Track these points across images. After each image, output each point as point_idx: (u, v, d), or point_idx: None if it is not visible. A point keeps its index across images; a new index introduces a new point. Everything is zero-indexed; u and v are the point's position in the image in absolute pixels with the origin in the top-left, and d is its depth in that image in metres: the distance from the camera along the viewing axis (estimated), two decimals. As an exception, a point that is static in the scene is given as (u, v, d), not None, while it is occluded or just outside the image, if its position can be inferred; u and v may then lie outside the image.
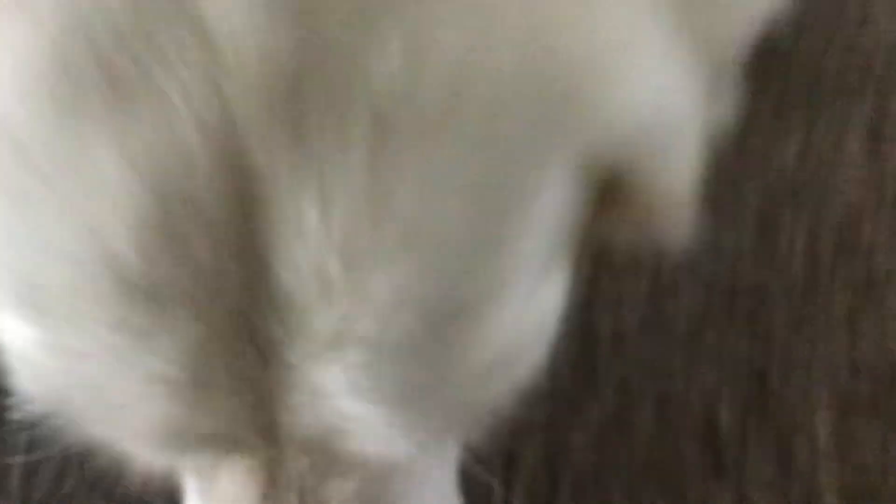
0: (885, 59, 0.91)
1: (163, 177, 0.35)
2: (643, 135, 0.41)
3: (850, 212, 0.83)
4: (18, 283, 0.39)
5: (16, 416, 0.44)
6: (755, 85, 0.54)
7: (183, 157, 0.35)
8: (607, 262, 0.80)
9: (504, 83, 0.37)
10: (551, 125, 0.39)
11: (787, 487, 0.74)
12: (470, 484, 0.58)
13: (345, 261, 0.37)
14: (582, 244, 0.46)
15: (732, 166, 0.80)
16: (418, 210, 0.37)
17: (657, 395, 0.76)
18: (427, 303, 0.39)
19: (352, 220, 0.36)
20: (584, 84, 0.39)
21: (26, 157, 0.36)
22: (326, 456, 0.44)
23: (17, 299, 0.40)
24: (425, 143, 0.36)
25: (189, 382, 0.39)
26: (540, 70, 0.37)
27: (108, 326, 0.38)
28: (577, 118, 0.39)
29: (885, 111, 0.88)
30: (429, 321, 0.39)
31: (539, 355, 0.46)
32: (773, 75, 0.90)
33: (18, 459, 0.77)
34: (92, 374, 0.40)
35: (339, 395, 0.40)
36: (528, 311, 0.43)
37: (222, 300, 0.38)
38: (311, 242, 0.36)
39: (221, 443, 0.43)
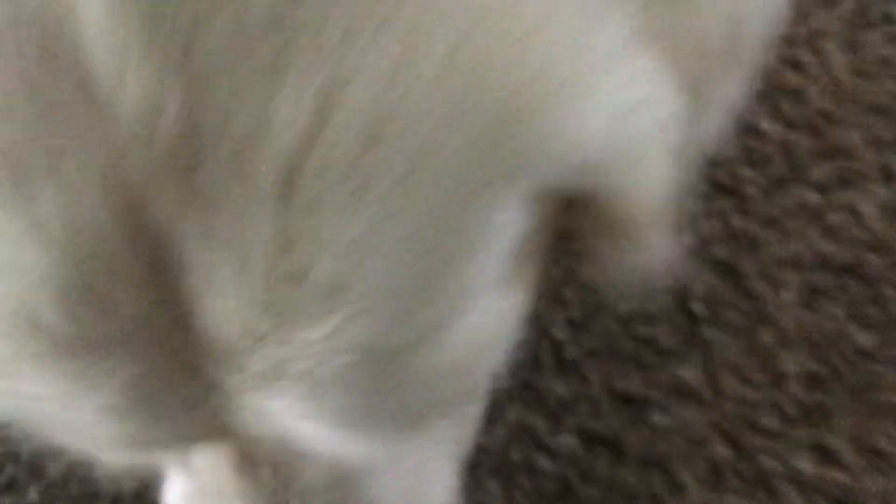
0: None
1: (74, 243, 0.35)
2: (602, 158, 0.39)
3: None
4: None
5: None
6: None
7: (90, 222, 0.35)
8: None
9: (428, 129, 0.35)
10: (489, 164, 0.37)
11: (751, 370, 0.78)
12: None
13: (269, 315, 0.36)
14: (545, 259, 0.46)
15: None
16: (342, 265, 0.36)
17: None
18: (363, 345, 0.38)
19: (270, 276, 0.35)
20: (524, 120, 0.36)
21: None
22: (288, 448, 0.45)
23: None
24: (341, 197, 0.35)
25: (137, 408, 0.40)
26: (475, 104, 0.35)
27: (51, 376, 0.38)
28: (520, 155, 0.37)
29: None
30: (367, 358, 0.39)
31: (495, 360, 0.46)
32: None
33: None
34: (46, 409, 0.41)
35: (283, 417, 0.41)
36: (481, 327, 0.42)
37: (154, 345, 0.38)
38: (229, 297, 0.36)
39: (181, 446, 0.45)
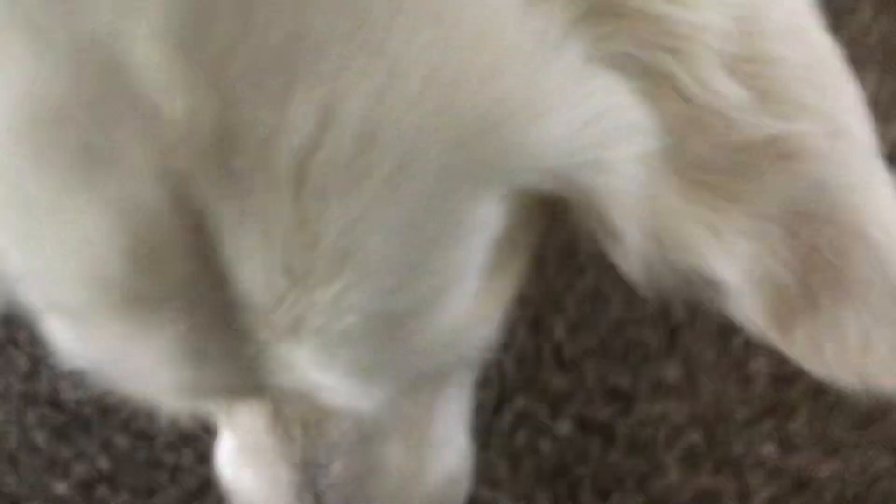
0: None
1: (135, 217, 0.39)
2: (571, 162, 0.41)
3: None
4: (47, 299, 0.44)
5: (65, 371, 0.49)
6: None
7: (147, 201, 0.38)
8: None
9: (411, 135, 0.38)
10: (466, 166, 0.40)
11: (725, 370, 0.84)
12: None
13: (288, 277, 0.40)
14: (528, 252, 0.49)
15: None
16: (345, 242, 0.39)
17: (624, 293, 0.85)
18: (365, 307, 0.41)
19: (288, 246, 0.39)
20: (496, 126, 0.39)
21: (33, 212, 0.40)
22: (313, 404, 0.48)
23: (48, 309, 0.45)
24: (342, 187, 0.38)
25: (187, 356, 0.43)
26: (448, 119, 0.38)
27: (117, 325, 0.42)
28: (494, 158, 0.40)
29: None
30: (371, 321, 0.42)
31: (489, 335, 0.49)
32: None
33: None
34: (113, 355, 0.45)
35: (304, 367, 0.44)
36: (470, 309, 0.45)
37: (200, 301, 0.41)
38: (258, 265, 0.40)
39: (226, 394, 0.48)
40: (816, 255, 0.42)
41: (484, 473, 0.75)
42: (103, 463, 0.89)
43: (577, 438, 0.85)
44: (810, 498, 0.84)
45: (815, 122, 0.42)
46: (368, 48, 0.36)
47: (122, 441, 0.89)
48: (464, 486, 0.61)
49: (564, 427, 0.85)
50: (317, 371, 0.43)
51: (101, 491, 0.88)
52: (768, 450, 0.84)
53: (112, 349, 0.44)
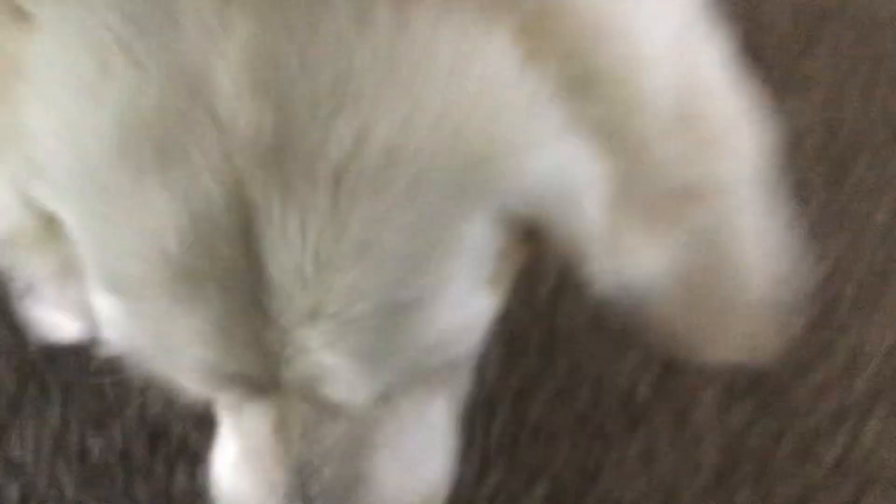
0: None
1: (195, 205, 0.44)
2: (545, 194, 0.48)
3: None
4: (107, 273, 0.48)
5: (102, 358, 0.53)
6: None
7: (206, 192, 0.44)
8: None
9: (426, 157, 0.44)
10: (466, 187, 0.46)
11: (681, 447, 0.91)
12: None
13: (316, 264, 0.45)
14: (511, 272, 0.54)
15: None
16: (366, 236, 0.45)
17: (594, 379, 0.94)
18: (375, 296, 0.46)
19: (320, 238, 0.44)
20: (491, 160, 0.45)
21: (110, 196, 0.45)
22: (315, 401, 0.51)
23: (107, 283, 0.49)
24: (369, 192, 0.44)
25: (217, 337, 0.47)
26: (454, 149, 0.44)
27: (163, 300, 0.47)
28: (488, 184, 0.46)
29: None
30: (378, 308, 0.46)
31: (474, 343, 0.53)
32: None
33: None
34: (154, 330, 0.49)
35: (317, 350, 0.48)
36: (462, 313, 0.50)
37: (236, 283, 0.46)
38: (292, 251, 0.45)
39: (244, 383, 0.51)
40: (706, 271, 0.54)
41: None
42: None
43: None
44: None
45: (725, 170, 0.52)
46: (397, 89, 0.43)
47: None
48: (441, 499, 0.62)
49: (538, 496, 0.91)
50: (327, 353, 0.47)
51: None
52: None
53: (153, 324, 0.48)
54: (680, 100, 0.50)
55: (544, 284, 0.98)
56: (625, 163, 0.49)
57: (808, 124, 1.07)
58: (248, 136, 0.43)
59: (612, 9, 0.47)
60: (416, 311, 0.48)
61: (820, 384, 0.94)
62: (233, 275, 0.46)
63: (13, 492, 0.91)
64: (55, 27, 0.45)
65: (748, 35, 0.54)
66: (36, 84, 0.46)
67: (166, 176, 0.44)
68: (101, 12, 0.43)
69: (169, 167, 0.44)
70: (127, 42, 0.43)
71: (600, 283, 0.52)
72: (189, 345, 0.48)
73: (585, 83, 0.46)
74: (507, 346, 0.95)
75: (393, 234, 0.45)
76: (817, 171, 1.04)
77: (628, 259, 0.51)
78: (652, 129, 0.49)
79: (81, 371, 0.90)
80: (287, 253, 0.45)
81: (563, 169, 0.48)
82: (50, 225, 0.50)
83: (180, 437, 0.93)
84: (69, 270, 0.53)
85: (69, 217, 0.48)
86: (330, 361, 0.48)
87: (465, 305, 0.50)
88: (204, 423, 0.81)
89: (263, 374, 0.49)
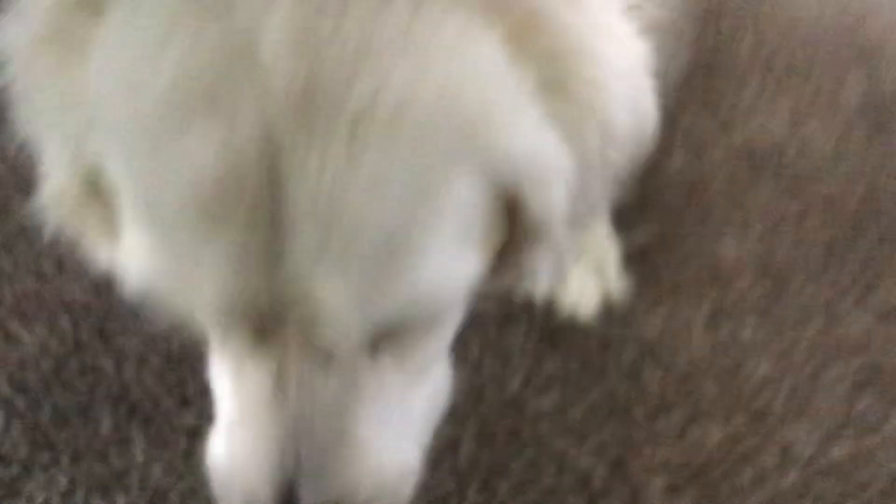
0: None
1: (231, 150, 0.48)
2: (523, 171, 0.54)
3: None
4: (145, 210, 0.52)
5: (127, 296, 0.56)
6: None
7: (243, 139, 0.48)
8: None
9: (429, 116, 0.49)
10: (460, 147, 0.51)
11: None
12: None
13: (329, 198, 0.49)
14: (491, 247, 0.58)
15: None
16: (374, 177, 0.49)
17: (557, 465, 0.99)
18: (376, 234, 0.50)
19: (335, 176, 0.48)
20: (482, 128, 0.51)
21: (158, 142, 0.50)
22: (311, 348, 0.54)
23: (142, 220, 0.53)
24: (380, 140, 0.49)
25: (235, 269, 0.50)
26: (453, 113, 0.50)
27: (193, 230, 0.50)
28: (478, 149, 0.52)
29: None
30: (377, 247, 0.50)
31: (455, 306, 0.59)
32: None
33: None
34: (179, 262, 0.52)
35: (320, 285, 0.51)
36: (448, 268, 0.53)
37: (258, 219, 0.49)
38: (310, 187, 0.48)
39: (252, 321, 0.53)
40: None
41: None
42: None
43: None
44: None
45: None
46: (408, 59, 0.49)
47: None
48: (410, 487, 0.64)
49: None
50: (327, 287, 0.50)
51: None
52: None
53: (179, 257, 0.51)
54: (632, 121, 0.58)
55: (515, 377, 1.06)
56: (581, 159, 0.57)
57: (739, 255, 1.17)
58: (283, 89, 0.48)
59: (585, 32, 0.55)
60: (409, 254, 0.51)
61: (754, 476, 1.01)
62: (255, 212, 0.49)
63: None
64: (126, 12, 0.52)
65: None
66: (100, 59, 0.53)
67: (209, 123, 0.49)
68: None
69: (212, 116, 0.49)
70: (186, 18, 0.50)
71: (550, 267, 0.59)
72: (209, 276, 0.51)
73: (557, 87, 0.54)
74: (479, 430, 1.02)
75: (397, 177, 0.50)
76: (757, 291, 1.14)
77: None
78: (596, 135, 0.56)
79: (90, 438, 1.00)
80: (305, 189, 0.49)
81: (539, 153, 0.54)
82: (93, 186, 0.56)
83: None
84: (104, 233, 0.59)
85: (118, 163, 0.53)
86: (329, 296, 0.51)
87: (451, 260, 0.54)
88: (200, 498, 0.94)
89: (271, 311, 0.52)
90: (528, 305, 1.11)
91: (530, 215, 0.56)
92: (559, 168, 0.56)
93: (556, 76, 0.54)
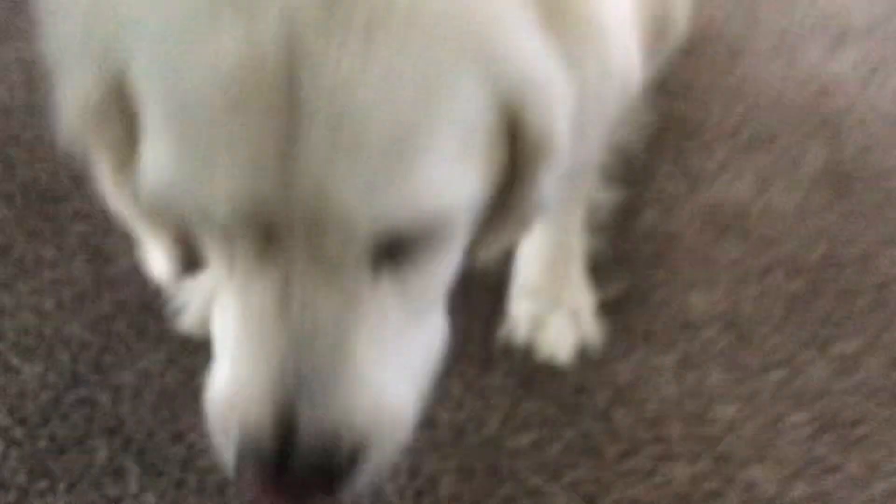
0: None
1: (255, 50, 0.50)
2: (525, 87, 0.56)
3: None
4: (170, 108, 0.54)
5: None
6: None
7: (267, 39, 0.51)
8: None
9: (439, 21, 0.52)
10: (468, 54, 0.54)
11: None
12: None
13: (343, 94, 0.51)
14: (490, 171, 0.60)
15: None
16: (386, 73, 0.51)
17: (535, 497, 1.01)
18: (384, 130, 0.52)
19: (350, 71, 0.51)
20: (489, 41, 0.54)
21: (187, 45, 0.52)
22: (317, 257, 0.55)
23: (167, 111, 0.54)
24: (392, 40, 0.51)
25: (253, 166, 0.52)
26: (462, 22, 0.53)
27: (214, 128, 0.52)
28: (480, 58, 0.54)
29: None
30: (384, 144, 0.52)
31: (454, 228, 0.59)
32: None
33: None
34: (197, 163, 0.53)
35: (330, 183, 0.52)
36: (449, 179, 0.55)
37: (276, 117, 0.51)
38: (327, 80, 0.51)
39: (264, 228, 0.55)
40: None
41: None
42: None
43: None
44: None
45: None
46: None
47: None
48: (405, 434, 0.63)
49: None
50: (337, 185, 0.52)
51: None
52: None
53: (198, 157, 0.53)
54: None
55: (494, 416, 1.10)
56: (579, 90, 0.59)
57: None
58: None
59: None
60: (415, 154, 0.53)
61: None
62: (273, 101, 0.51)
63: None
64: None
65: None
66: None
67: (236, 25, 0.51)
68: None
69: (240, 18, 0.51)
70: None
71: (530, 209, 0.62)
72: (224, 173, 0.52)
73: (558, 15, 0.57)
74: (460, 466, 1.05)
75: (407, 76, 0.52)
76: (723, 341, 1.19)
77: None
78: (600, 76, 0.60)
79: (86, 467, 1.03)
80: (321, 81, 0.51)
81: (541, 73, 0.57)
82: (116, 94, 0.58)
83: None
84: (124, 160, 0.61)
85: (144, 62, 0.55)
86: (339, 191, 0.53)
87: (453, 169, 0.55)
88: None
89: (282, 213, 0.54)
90: (508, 349, 1.15)
91: (532, 133, 0.58)
92: (560, 94, 0.58)
93: (557, 6, 0.57)
